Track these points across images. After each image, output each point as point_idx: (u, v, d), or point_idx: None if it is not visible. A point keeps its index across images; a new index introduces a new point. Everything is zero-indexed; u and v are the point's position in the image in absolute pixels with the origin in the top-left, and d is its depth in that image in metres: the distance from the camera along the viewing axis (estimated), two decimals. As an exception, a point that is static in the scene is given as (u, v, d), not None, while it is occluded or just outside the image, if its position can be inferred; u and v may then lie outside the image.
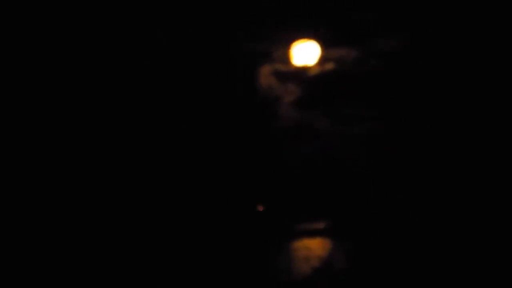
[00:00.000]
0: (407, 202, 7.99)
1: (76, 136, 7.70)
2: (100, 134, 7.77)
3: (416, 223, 7.80)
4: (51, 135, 7.62)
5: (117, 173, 7.75)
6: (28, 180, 7.49)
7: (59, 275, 6.96)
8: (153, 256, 7.39)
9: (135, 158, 7.82)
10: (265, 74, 8.13)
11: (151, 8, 7.77)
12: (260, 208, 8.12)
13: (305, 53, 8.14)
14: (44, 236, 7.34)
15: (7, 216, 7.28)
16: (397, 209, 7.99)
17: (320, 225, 8.11)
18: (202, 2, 7.83)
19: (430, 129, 8.12)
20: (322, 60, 8.13)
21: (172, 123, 7.95)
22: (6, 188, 7.36)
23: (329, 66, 8.13)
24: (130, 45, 7.86)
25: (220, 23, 7.89)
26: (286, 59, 8.16)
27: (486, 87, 7.92)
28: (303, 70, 8.19)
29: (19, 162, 7.50)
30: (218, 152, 8.02)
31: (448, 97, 8.09)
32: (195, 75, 7.99)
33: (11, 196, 7.37)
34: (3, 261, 6.95)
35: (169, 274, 7.19)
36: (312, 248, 7.85)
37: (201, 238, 7.64)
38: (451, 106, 8.07)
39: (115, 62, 7.82)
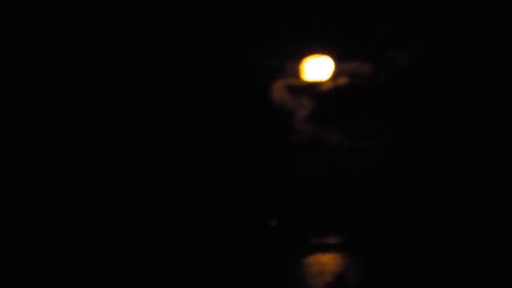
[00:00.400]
0: (421, 216, 7.96)
1: (77, 136, 7.70)
2: (101, 135, 7.76)
3: (430, 238, 7.76)
4: (51, 135, 7.62)
5: (129, 178, 7.76)
6: (28, 180, 7.48)
7: (59, 275, 6.99)
8: (162, 269, 7.38)
9: (141, 165, 7.82)
10: (278, 89, 8.13)
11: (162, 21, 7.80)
12: (273, 222, 8.10)
13: (318, 67, 8.14)
14: (44, 236, 7.34)
15: (6, 216, 7.28)
16: (411, 223, 7.95)
17: (333, 240, 8.08)
18: (215, 16, 7.85)
19: (443, 141, 8.09)
20: (335, 74, 8.13)
21: (184, 136, 7.96)
22: (5, 188, 7.36)
23: (342, 80, 8.12)
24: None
25: (234, 38, 7.91)
26: (298, 73, 8.16)
27: (501, 101, 7.89)
28: (316, 84, 8.19)
29: (18, 162, 7.50)
30: (230, 166, 8.01)
31: (461, 110, 8.07)
32: (207, 89, 7.99)
33: (11, 196, 7.37)
34: (3, 261, 6.97)
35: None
36: (325, 263, 7.82)
37: (213, 254, 7.62)
38: (464, 118, 8.05)
39: (116, 62, 7.82)
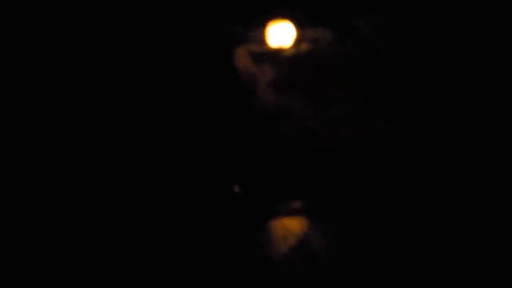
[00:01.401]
0: (385, 182, 8.03)
1: (73, 136, 7.70)
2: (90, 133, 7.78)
3: (396, 203, 7.84)
4: (50, 135, 7.62)
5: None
6: (28, 180, 7.48)
7: (59, 275, 7.00)
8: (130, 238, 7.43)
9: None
10: (241, 56, 8.15)
11: None
12: (237, 189, 8.15)
13: (280, 34, 8.16)
14: (44, 236, 7.34)
15: (6, 216, 7.27)
16: (376, 189, 8.03)
17: (298, 205, 8.14)
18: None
19: (409, 108, 8.15)
20: (298, 41, 8.15)
21: (148, 104, 7.97)
22: (5, 188, 7.35)
23: (305, 46, 8.15)
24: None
25: (196, 3, 7.92)
26: (261, 40, 8.18)
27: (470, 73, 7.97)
28: (279, 51, 8.21)
29: (18, 162, 7.49)
30: (193, 134, 8.02)
31: (426, 77, 8.13)
32: (168, 56, 7.99)
33: (10, 196, 7.36)
34: (3, 261, 6.99)
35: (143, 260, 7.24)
36: (290, 227, 7.89)
37: (176, 219, 7.65)
38: (431, 88, 8.11)
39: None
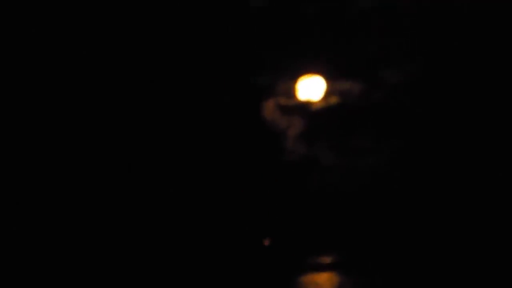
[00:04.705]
0: (414, 235, 7.98)
1: (75, 136, 7.64)
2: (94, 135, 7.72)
3: (424, 256, 7.78)
4: (50, 135, 7.57)
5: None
6: (28, 180, 7.42)
7: (59, 275, 6.92)
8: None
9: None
10: (270, 108, 8.13)
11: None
12: (267, 242, 8.08)
13: (310, 87, 8.15)
14: (44, 236, 7.28)
15: (7, 216, 7.22)
16: (404, 242, 7.97)
17: (328, 259, 8.06)
18: (211, 34, 7.86)
19: (437, 158, 8.13)
20: (327, 93, 8.14)
21: (176, 153, 7.92)
22: (6, 188, 7.30)
23: (334, 99, 8.14)
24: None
25: (226, 56, 7.92)
26: (290, 93, 8.17)
27: (493, 117, 7.96)
28: (308, 103, 8.20)
29: (18, 162, 7.44)
30: (222, 185, 7.98)
31: (453, 127, 8.12)
32: (200, 106, 7.96)
33: (11, 196, 7.31)
34: (3, 261, 6.90)
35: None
36: (320, 283, 7.81)
37: (208, 273, 7.58)
38: (457, 135, 8.10)
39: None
